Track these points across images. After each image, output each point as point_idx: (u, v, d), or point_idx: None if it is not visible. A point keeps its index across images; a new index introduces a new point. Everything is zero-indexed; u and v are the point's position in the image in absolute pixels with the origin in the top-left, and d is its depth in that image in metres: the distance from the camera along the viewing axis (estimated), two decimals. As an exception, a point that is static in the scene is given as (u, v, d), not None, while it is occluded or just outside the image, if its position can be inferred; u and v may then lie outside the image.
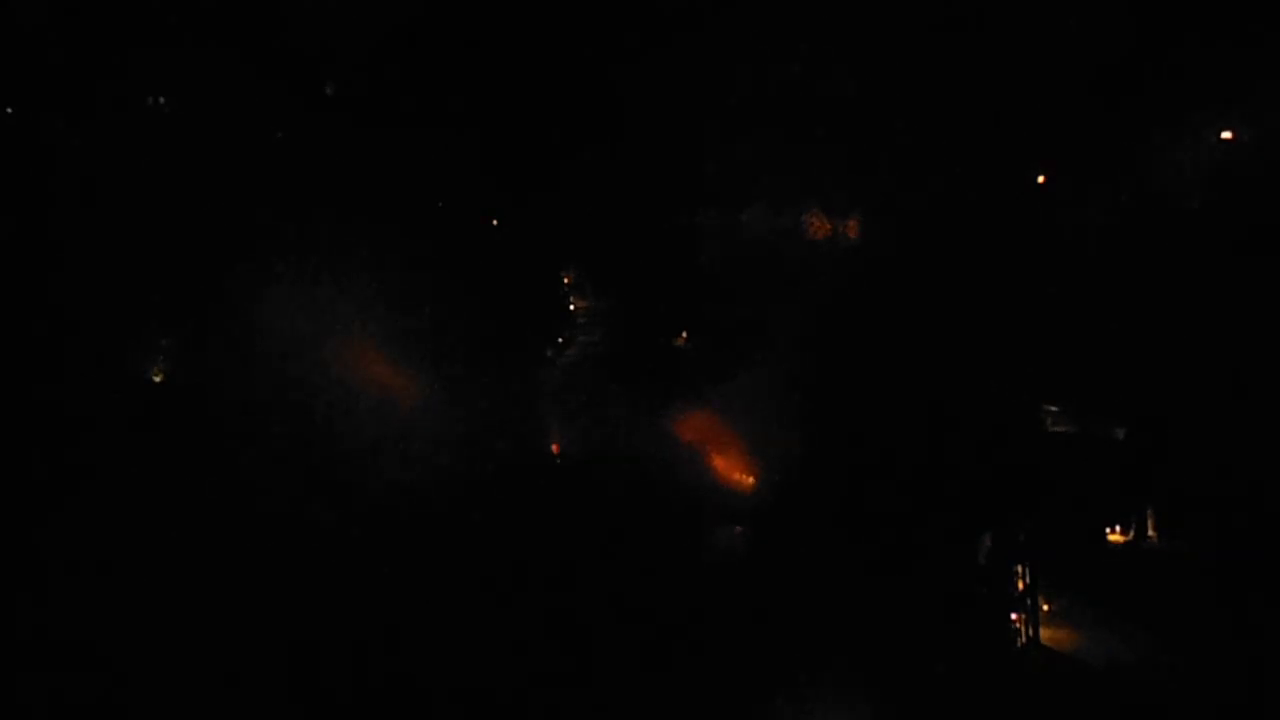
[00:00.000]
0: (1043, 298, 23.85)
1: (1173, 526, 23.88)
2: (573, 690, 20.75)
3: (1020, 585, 23.32)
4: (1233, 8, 22.86)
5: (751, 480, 24.53)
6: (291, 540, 20.93)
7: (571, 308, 25.91)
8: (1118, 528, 24.23)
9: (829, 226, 25.14)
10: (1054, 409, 24.37)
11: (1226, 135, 23.72)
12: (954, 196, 24.22)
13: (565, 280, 26.01)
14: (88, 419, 21.10)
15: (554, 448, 24.87)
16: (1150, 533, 24.15)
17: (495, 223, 25.20)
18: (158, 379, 22.70)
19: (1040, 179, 24.82)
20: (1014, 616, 23.13)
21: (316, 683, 20.14)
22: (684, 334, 25.85)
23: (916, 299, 23.91)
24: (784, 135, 24.20)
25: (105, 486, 20.65)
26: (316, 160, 22.91)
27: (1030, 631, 23.14)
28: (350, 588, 20.93)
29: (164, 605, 20.12)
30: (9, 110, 22.49)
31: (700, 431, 24.45)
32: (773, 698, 20.97)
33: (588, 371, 25.24)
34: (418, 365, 22.71)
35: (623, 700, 20.73)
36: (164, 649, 19.85)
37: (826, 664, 21.21)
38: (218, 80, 22.66)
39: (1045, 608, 23.21)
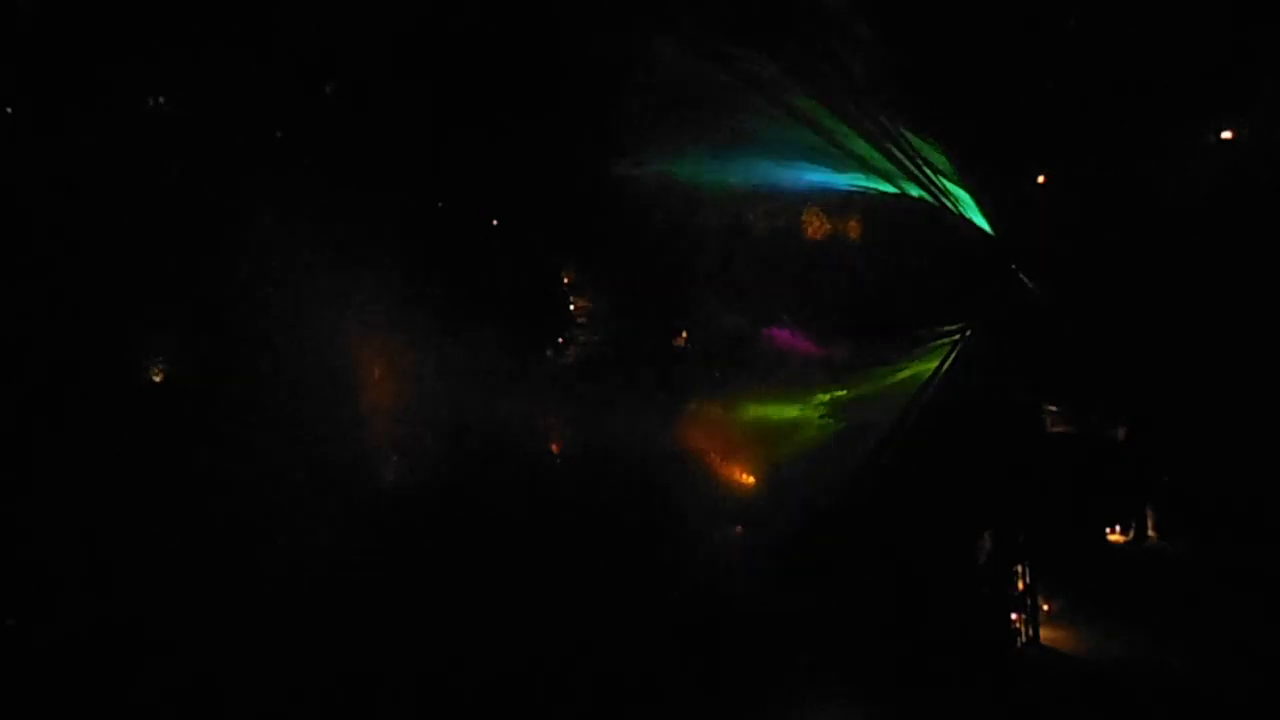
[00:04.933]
0: (1042, 297, 23.86)
1: (1173, 526, 23.87)
2: (572, 690, 20.79)
3: (1020, 585, 23.31)
4: (1232, 8, 22.84)
5: (751, 480, 24.54)
6: (291, 541, 20.96)
7: (571, 308, 25.84)
8: (1118, 528, 24.20)
9: (829, 226, 25.15)
10: (1054, 409, 24.35)
11: (1226, 135, 23.71)
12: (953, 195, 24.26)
13: (565, 280, 25.94)
14: (88, 419, 21.11)
15: (554, 448, 24.85)
16: (1150, 533, 24.13)
17: (495, 223, 25.17)
18: (158, 379, 22.69)
19: (1040, 178, 24.81)
20: (1014, 616, 23.12)
21: (318, 683, 20.18)
22: (684, 334, 25.83)
23: (915, 298, 23.93)
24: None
25: (105, 487, 20.66)
26: (316, 160, 22.90)
27: (1030, 631, 23.13)
28: (351, 587, 20.97)
29: (165, 606, 20.18)
30: (9, 110, 22.48)
31: (700, 432, 24.45)
32: (772, 698, 20.99)
33: (588, 371, 25.17)
34: (417, 366, 22.72)
35: (623, 700, 20.76)
36: (165, 649, 19.92)
37: (826, 664, 21.24)
38: (218, 80, 22.65)
39: (1045, 608, 23.19)
